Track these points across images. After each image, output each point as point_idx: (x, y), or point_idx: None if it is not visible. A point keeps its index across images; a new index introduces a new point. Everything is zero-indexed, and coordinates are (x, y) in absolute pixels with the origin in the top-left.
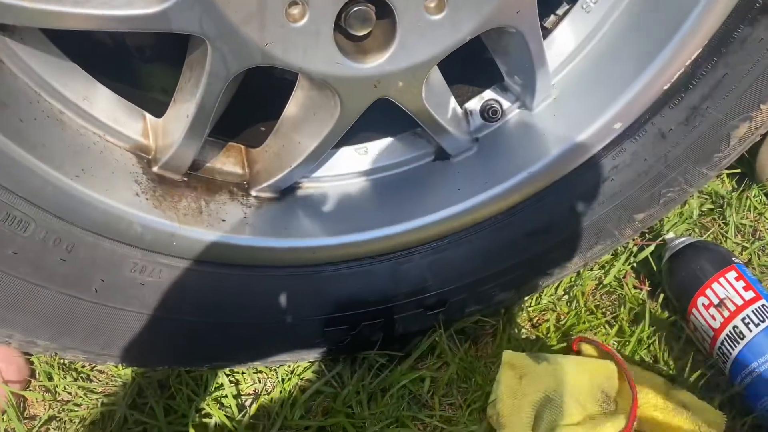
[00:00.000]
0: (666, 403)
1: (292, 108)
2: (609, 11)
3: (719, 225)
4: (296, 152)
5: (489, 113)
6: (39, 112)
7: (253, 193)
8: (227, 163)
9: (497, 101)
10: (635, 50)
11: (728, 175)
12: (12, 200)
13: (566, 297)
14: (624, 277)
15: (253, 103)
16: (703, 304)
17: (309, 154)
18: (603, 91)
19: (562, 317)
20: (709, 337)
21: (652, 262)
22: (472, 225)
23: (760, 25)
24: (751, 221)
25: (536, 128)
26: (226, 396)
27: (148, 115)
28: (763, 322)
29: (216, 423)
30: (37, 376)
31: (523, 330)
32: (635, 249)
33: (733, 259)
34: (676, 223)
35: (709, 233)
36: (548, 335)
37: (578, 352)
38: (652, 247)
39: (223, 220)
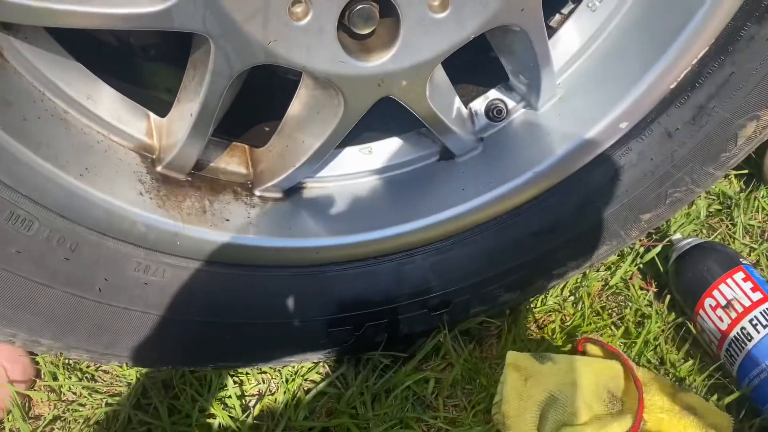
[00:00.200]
0: (672, 405)
1: (295, 107)
2: (615, 10)
3: (727, 226)
4: (300, 152)
5: (494, 113)
6: (43, 111)
7: (257, 192)
8: (231, 162)
9: (502, 101)
10: (641, 49)
11: (736, 175)
12: (16, 199)
13: (572, 298)
14: (630, 279)
15: (256, 102)
16: (711, 306)
17: (313, 154)
18: (609, 90)
19: (568, 318)
20: (716, 339)
21: (658, 263)
22: (476, 225)
23: (767, 24)
24: (759, 222)
25: (541, 128)
26: (230, 396)
27: (152, 115)
28: None
29: (220, 423)
30: (42, 376)
31: (529, 331)
32: (642, 250)
33: (741, 260)
34: (683, 223)
35: (716, 234)
36: (553, 336)
37: (584, 353)
38: (658, 248)
39: (227, 220)
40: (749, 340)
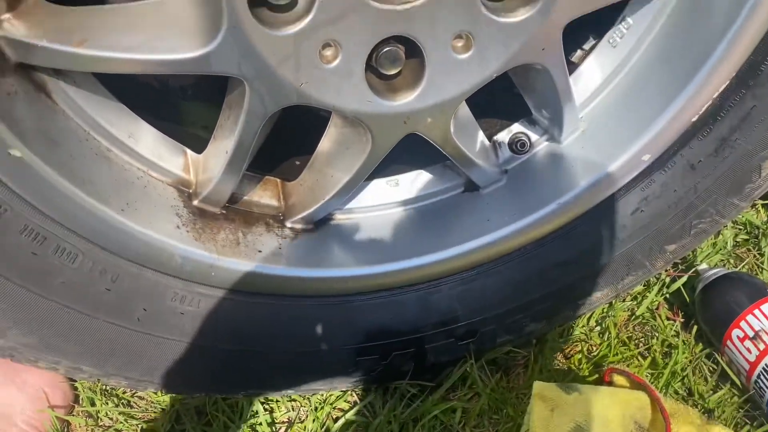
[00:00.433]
0: None
1: (325, 143)
2: (636, 45)
3: (754, 255)
4: (330, 185)
5: (517, 146)
6: (88, 150)
7: (288, 224)
8: (264, 196)
9: (525, 134)
10: (663, 83)
11: (763, 205)
12: (62, 233)
13: (598, 328)
14: (657, 309)
15: (287, 137)
16: (738, 337)
17: (342, 187)
18: (631, 124)
19: (594, 348)
20: (744, 370)
21: (684, 293)
22: (501, 255)
23: None
24: None
25: (565, 160)
26: (260, 423)
27: (188, 151)
28: None
29: None
30: (81, 402)
31: (555, 361)
32: (668, 280)
33: None
34: (709, 253)
35: (743, 264)
36: (580, 366)
37: (610, 383)
38: (684, 278)
39: (260, 251)
40: None
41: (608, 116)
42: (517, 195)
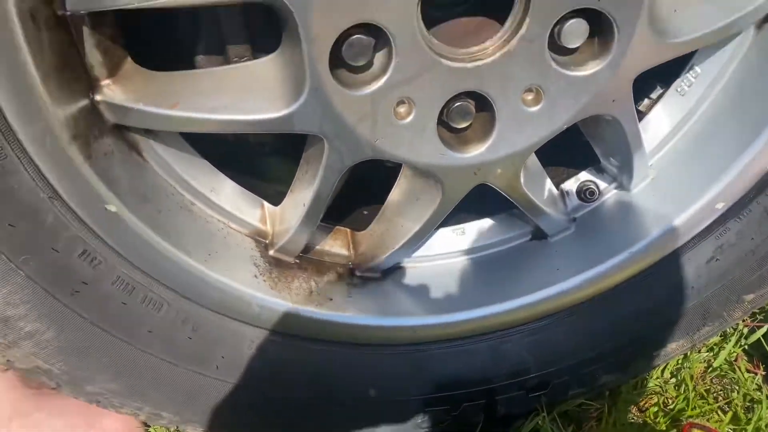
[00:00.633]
0: None
1: (396, 194)
2: (705, 93)
3: None
4: (399, 235)
5: (586, 194)
6: (174, 204)
7: (358, 273)
8: (335, 245)
9: (594, 182)
10: (734, 130)
11: None
12: (149, 283)
13: (674, 380)
14: (735, 360)
15: (357, 189)
16: None
17: (411, 237)
18: (703, 171)
19: (670, 401)
20: None
21: (765, 344)
22: (571, 305)
23: None
24: None
25: (635, 208)
26: None
27: (266, 203)
28: None
29: None
30: None
31: (630, 414)
32: (746, 330)
33: None
34: None
35: None
36: (656, 420)
37: None
38: (764, 329)
39: (331, 299)
40: None
41: (679, 164)
42: (586, 243)
